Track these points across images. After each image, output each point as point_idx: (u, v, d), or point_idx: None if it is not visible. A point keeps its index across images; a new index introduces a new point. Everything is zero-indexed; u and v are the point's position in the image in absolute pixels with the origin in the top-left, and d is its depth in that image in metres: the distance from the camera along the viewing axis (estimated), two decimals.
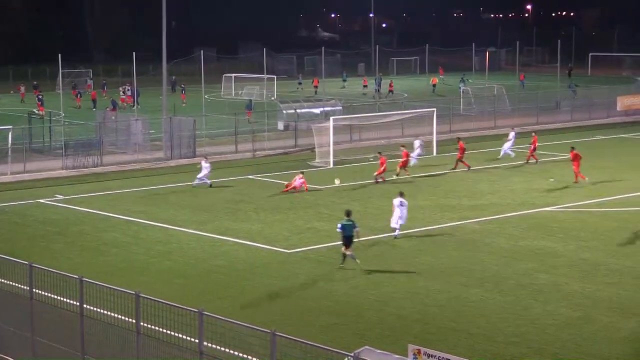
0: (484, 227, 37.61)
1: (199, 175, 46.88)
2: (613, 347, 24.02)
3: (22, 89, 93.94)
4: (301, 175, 45.57)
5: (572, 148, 48.57)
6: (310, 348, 16.85)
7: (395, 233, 35.63)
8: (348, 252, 31.53)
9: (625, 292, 28.66)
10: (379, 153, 48.64)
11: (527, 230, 37.18)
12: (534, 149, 53.11)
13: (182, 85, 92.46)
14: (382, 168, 47.04)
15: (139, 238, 36.31)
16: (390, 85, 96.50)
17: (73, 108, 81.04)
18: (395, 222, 35.46)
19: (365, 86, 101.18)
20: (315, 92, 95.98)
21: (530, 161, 53.05)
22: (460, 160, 50.97)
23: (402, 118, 62.12)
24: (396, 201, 35.50)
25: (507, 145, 55.55)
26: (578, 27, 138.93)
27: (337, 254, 33.35)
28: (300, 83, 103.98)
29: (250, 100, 79.42)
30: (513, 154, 54.93)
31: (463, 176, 49.50)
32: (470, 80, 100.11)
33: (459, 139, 52.66)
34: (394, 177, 48.15)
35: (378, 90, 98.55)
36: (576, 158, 47.09)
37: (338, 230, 31.97)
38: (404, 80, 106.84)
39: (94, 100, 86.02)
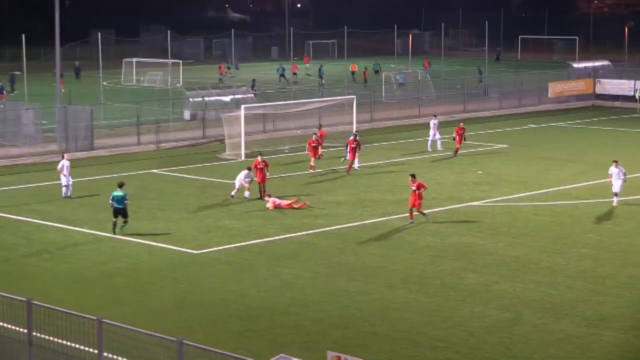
0: (408, 224, 37.94)
1: (65, 183, 42.92)
2: (545, 350, 24.48)
3: None
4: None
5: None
6: (220, 357, 16.85)
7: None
8: (120, 221, 36.04)
9: (557, 292, 29.23)
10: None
11: (454, 226, 37.64)
12: (461, 140, 53.64)
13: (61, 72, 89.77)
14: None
15: (31, 239, 35.82)
16: (364, 75, 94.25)
17: None
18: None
19: (295, 74, 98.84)
20: (220, 79, 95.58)
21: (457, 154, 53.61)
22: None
23: (320, 106, 62.30)
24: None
25: (436, 135, 55.72)
26: (506, 9, 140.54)
27: (249, 253, 33.44)
28: (229, 68, 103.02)
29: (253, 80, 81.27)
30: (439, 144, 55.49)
31: (385, 169, 49.87)
32: (392, 66, 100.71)
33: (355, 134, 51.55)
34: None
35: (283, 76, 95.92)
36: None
37: (110, 201, 36.12)
38: (320, 65, 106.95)
39: None
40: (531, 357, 24.02)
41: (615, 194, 40.75)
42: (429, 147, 55.59)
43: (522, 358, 23.99)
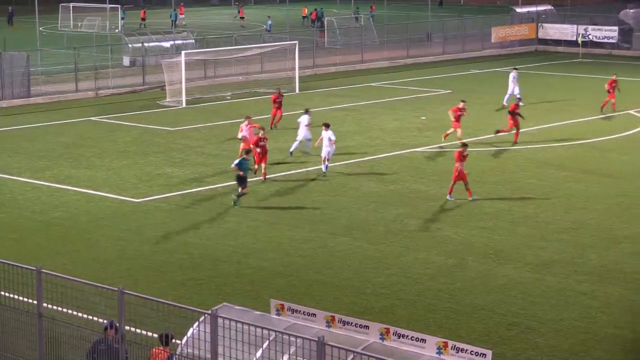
0: (351, 170, 37.97)
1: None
2: (488, 295, 24.73)
3: None
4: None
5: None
6: (162, 306, 16.77)
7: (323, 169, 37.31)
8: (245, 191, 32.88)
9: (500, 237, 29.50)
10: None
11: (397, 172, 37.74)
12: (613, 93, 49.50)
13: None
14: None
15: None
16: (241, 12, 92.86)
17: None
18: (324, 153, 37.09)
19: (242, 17, 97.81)
20: (143, 24, 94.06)
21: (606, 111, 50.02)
22: None
23: (261, 52, 61.97)
24: (325, 134, 37.23)
25: (515, 88, 52.48)
26: None
27: (191, 201, 33.30)
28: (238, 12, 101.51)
29: None
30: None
31: (327, 115, 49.71)
32: (335, 11, 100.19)
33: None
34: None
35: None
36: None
37: (233, 166, 33.17)
38: (268, 10, 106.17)
39: None
40: (474, 303, 24.25)
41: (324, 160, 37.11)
42: (505, 100, 52.26)
43: (465, 304, 24.22)
